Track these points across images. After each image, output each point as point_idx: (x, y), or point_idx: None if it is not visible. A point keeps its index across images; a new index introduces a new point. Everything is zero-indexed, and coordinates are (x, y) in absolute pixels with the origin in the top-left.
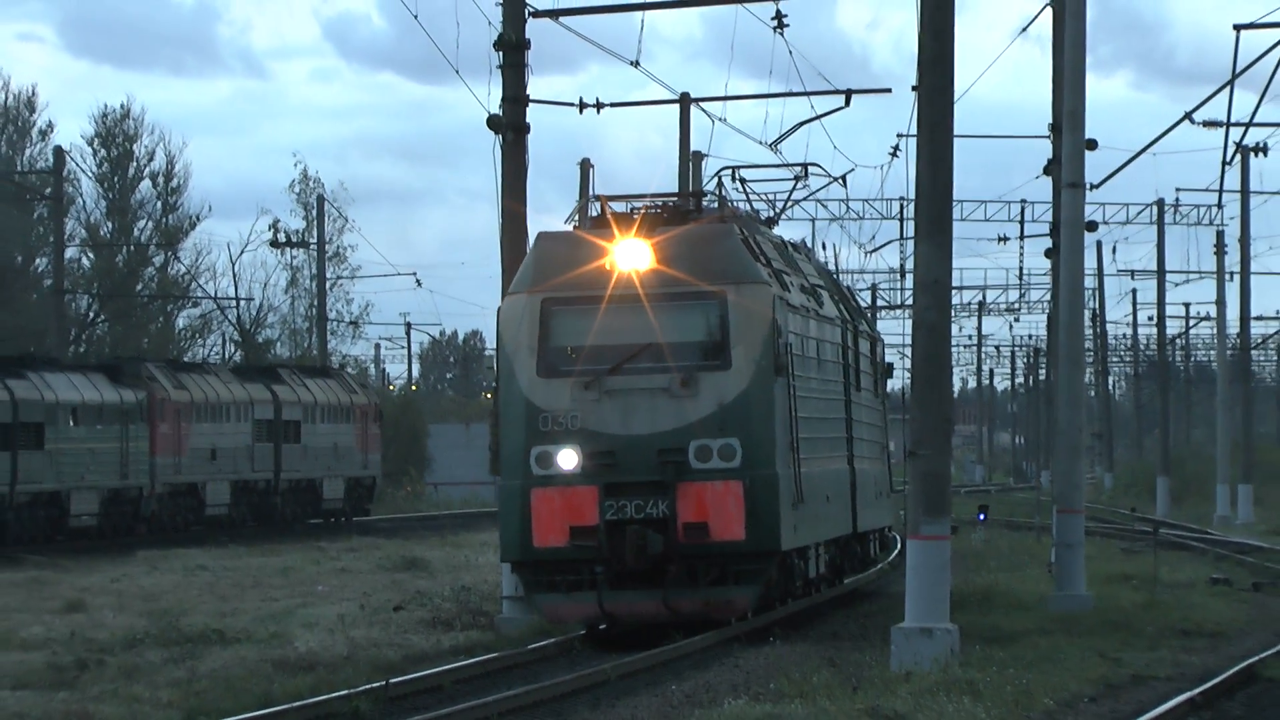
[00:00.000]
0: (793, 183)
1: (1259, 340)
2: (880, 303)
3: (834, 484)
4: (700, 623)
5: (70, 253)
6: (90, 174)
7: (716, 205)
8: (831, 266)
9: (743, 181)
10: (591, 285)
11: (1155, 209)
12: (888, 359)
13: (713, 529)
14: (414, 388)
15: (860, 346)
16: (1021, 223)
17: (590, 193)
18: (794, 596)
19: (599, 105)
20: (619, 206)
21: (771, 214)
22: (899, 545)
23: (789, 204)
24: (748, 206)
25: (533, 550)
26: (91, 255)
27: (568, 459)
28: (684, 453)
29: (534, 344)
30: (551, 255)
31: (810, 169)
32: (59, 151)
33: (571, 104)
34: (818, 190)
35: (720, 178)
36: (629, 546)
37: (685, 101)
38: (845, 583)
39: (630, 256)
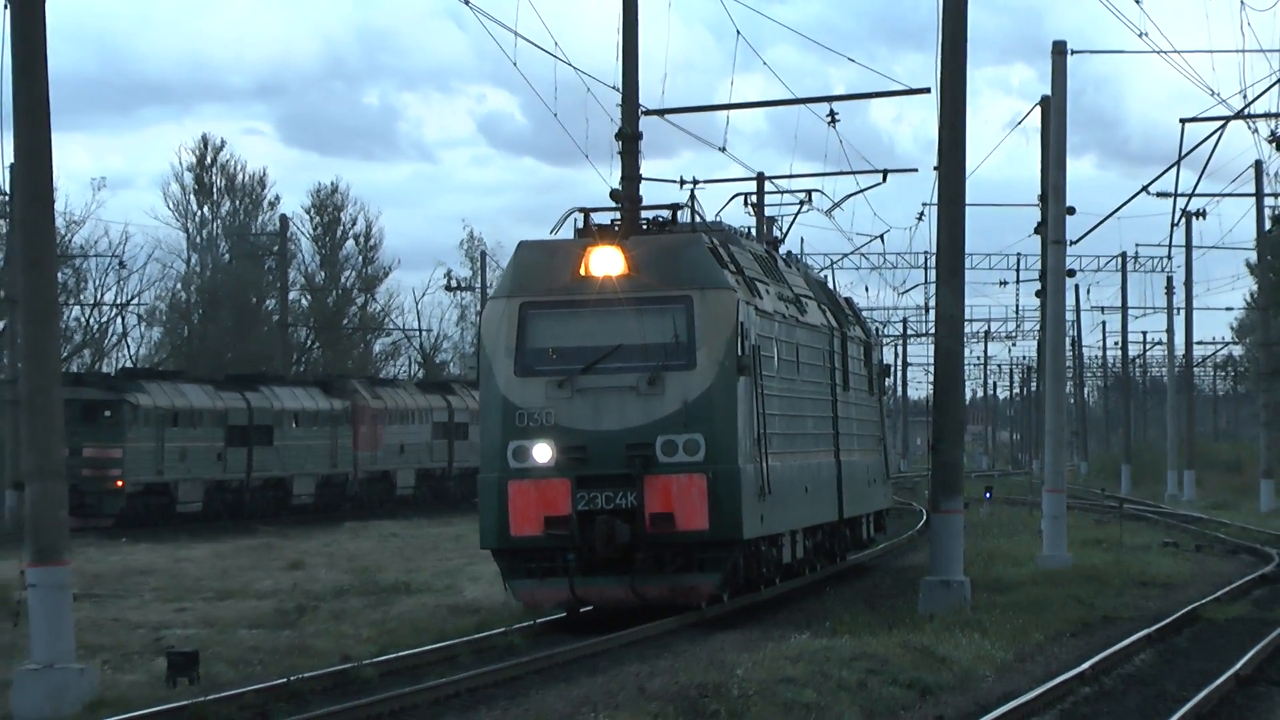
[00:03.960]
0: (798, 206)
1: (1199, 360)
2: (910, 332)
3: (815, 475)
4: (666, 607)
5: (292, 295)
6: (308, 235)
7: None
8: (863, 304)
9: (754, 206)
10: (566, 290)
11: (1120, 260)
12: (891, 363)
13: (678, 519)
14: None
15: (851, 350)
16: (1017, 270)
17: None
18: (766, 582)
19: (695, 182)
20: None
21: (779, 234)
22: (923, 519)
23: (794, 224)
24: (759, 228)
25: (509, 538)
26: (308, 297)
27: (542, 453)
28: (651, 447)
29: (511, 345)
30: (530, 263)
31: (813, 194)
32: (283, 219)
33: (673, 181)
34: (862, 246)
35: (693, 192)
36: (599, 535)
37: (760, 179)
38: (848, 559)
39: (603, 263)
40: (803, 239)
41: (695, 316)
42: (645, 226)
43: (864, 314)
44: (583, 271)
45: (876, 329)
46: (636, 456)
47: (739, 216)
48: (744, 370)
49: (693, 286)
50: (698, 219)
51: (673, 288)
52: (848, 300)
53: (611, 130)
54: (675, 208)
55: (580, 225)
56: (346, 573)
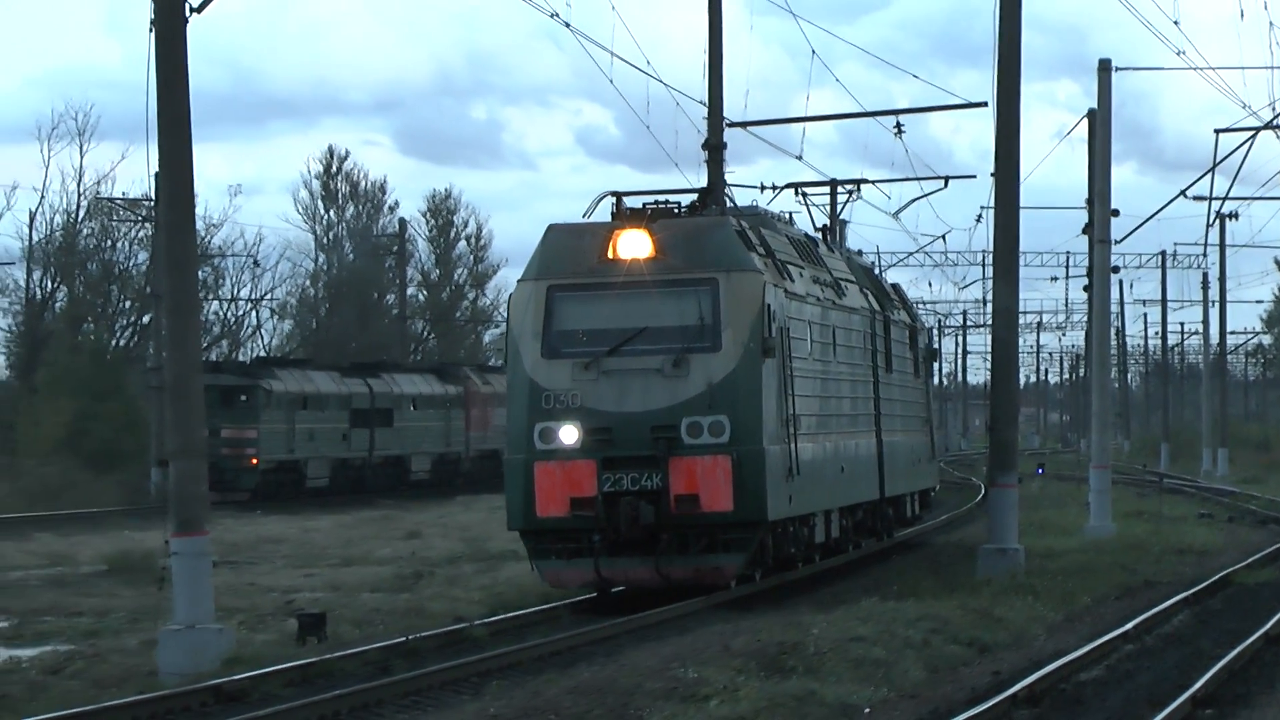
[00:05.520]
0: (847, 196)
1: (1232, 349)
2: (969, 323)
3: (852, 455)
4: (690, 588)
5: (409, 291)
6: (424, 236)
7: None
8: (922, 298)
9: (804, 196)
10: (593, 273)
11: (1160, 258)
12: (951, 349)
13: (703, 500)
14: None
15: (894, 334)
16: (1066, 267)
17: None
18: (804, 560)
19: (774, 187)
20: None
21: (829, 224)
22: (982, 493)
23: (844, 212)
24: (808, 217)
25: (536, 519)
26: (424, 292)
27: (569, 434)
28: (676, 429)
29: (538, 328)
30: (558, 245)
31: (862, 184)
32: (402, 221)
33: (754, 186)
34: (926, 245)
35: (723, 175)
36: (624, 517)
37: (833, 184)
38: (894, 537)
39: (630, 246)
40: (845, 222)
41: (721, 298)
42: (675, 211)
43: (927, 307)
44: (610, 254)
45: (939, 320)
46: (661, 438)
47: (790, 205)
48: (770, 352)
49: (718, 269)
50: (728, 203)
51: (698, 270)
52: (894, 286)
53: (698, 141)
54: (705, 191)
55: (614, 210)
56: (459, 541)
